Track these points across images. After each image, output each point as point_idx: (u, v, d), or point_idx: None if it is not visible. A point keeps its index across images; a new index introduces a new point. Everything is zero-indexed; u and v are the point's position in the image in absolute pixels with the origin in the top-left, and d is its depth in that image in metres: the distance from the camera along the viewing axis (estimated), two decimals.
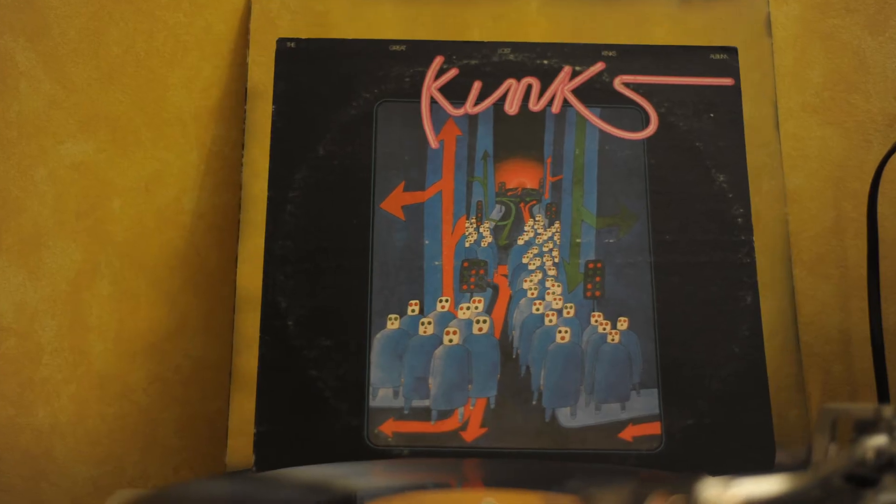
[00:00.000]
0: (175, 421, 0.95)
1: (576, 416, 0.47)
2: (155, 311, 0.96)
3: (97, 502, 0.92)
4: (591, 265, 0.49)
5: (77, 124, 0.98)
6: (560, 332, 0.48)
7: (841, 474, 0.51)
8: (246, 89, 0.94)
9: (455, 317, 0.49)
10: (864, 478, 0.50)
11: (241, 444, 0.86)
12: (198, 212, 0.97)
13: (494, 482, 0.61)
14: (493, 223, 0.49)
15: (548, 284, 0.49)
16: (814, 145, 1.00)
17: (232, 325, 0.88)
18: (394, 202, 0.50)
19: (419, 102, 0.50)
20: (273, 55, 0.93)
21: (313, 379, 0.48)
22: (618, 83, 0.50)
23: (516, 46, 0.52)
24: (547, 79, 0.49)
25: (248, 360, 0.87)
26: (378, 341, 0.48)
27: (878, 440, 0.50)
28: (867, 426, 0.54)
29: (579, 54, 0.51)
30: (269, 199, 0.50)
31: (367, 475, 0.73)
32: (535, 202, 0.50)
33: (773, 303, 0.90)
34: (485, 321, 0.48)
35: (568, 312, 0.49)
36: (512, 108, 0.50)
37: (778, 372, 0.89)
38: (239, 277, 0.89)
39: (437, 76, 0.50)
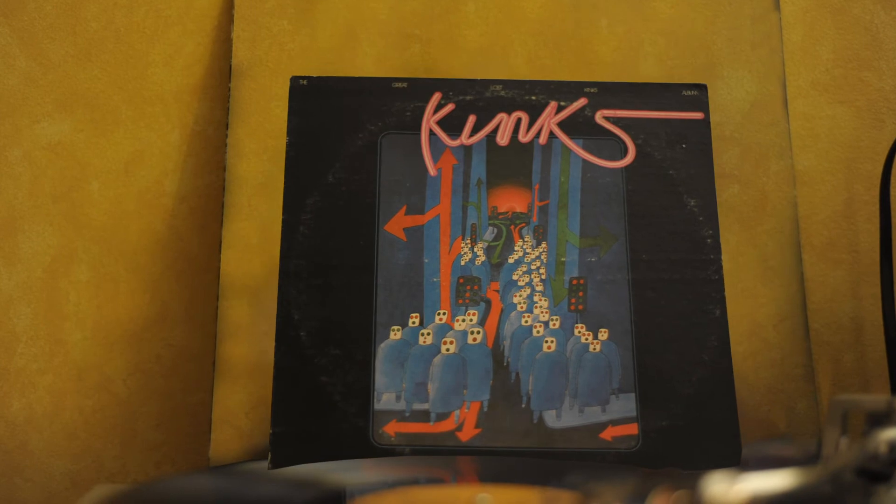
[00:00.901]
0: (156, 413, 0.94)
1: (561, 417, 0.54)
2: (135, 299, 0.95)
3: (74, 498, 0.90)
4: (574, 281, 0.56)
5: (53, 103, 0.97)
6: (547, 341, 0.55)
7: (852, 469, 0.51)
8: (230, 66, 0.93)
9: (452, 328, 0.56)
10: (877, 472, 0.50)
11: (224, 437, 0.86)
12: (180, 194, 0.96)
13: (489, 478, 0.64)
14: (486, 243, 0.57)
15: (535, 299, 0.57)
16: (824, 125, 0.99)
17: (215, 313, 0.88)
18: (396, 224, 0.57)
19: (419, 134, 0.57)
20: (257, 30, 0.93)
21: (323, 384, 0.55)
22: (599, 117, 0.57)
23: (507, 84, 0.60)
24: (535, 113, 0.57)
25: (231, 349, 0.87)
26: (382, 350, 0.55)
27: (892, 433, 0.50)
28: (880, 418, 0.54)
29: (564, 91, 0.60)
30: (284, 221, 0.59)
31: (357, 470, 0.72)
32: (524, 224, 0.57)
33: (782, 289, 0.90)
34: (479, 332, 0.55)
35: (554, 324, 0.56)
36: (503, 139, 0.57)
37: (786, 361, 0.89)
38: (223, 263, 0.88)
39: (436, 111, 0.58)
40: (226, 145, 0.91)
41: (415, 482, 0.69)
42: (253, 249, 0.89)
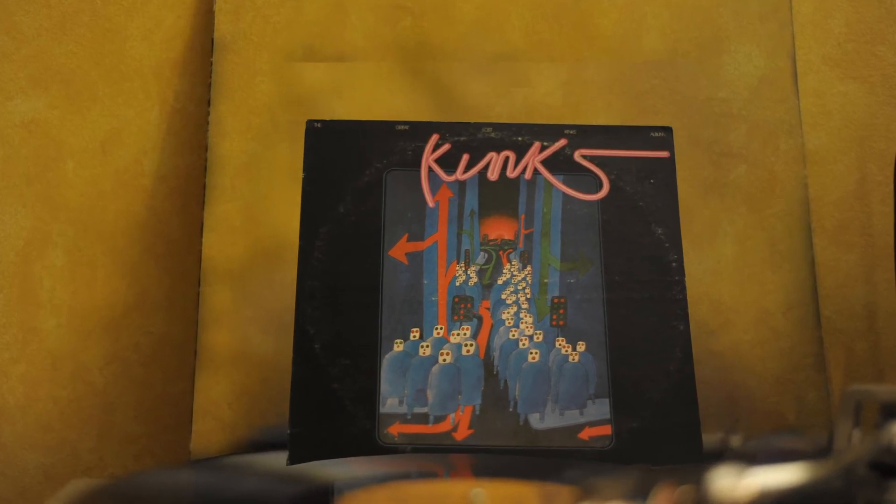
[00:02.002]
0: (134, 404, 0.93)
1: (544, 420, 0.63)
2: (112, 284, 0.94)
3: (48, 493, 0.90)
4: (556, 300, 0.65)
5: (27, 79, 0.97)
6: (531, 353, 0.64)
7: (865, 463, 0.51)
8: (213, 41, 0.93)
9: (448, 341, 0.64)
10: (891, 466, 0.49)
11: (207, 429, 0.85)
12: (159, 174, 0.96)
13: (484, 473, 0.69)
14: (478, 267, 0.66)
15: (521, 315, 0.65)
16: (835, 101, 0.99)
17: (197, 298, 0.88)
18: (399, 250, 0.65)
19: (419, 171, 0.66)
20: (240, 2, 0.92)
21: (335, 390, 0.63)
22: (577, 155, 0.67)
23: (496, 126, 0.69)
24: (521, 152, 0.67)
25: (214, 336, 0.87)
26: (386, 361, 0.64)
27: None
28: (894, 410, 0.54)
29: (546, 132, 0.68)
30: (300, 248, 0.68)
31: (346, 465, 0.73)
32: (511, 250, 0.66)
33: (791, 275, 0.90)
34: (471, 345, 0.64)
35: (537, 338, 0.65)
36: (493, 175, 0.66)
37: (796, 350, 0.89)
38: (204, 246, 0.88)
39: (434, 150, 0.66)
40: (207, 123, 0.91)
41: (406, 477, 0.71)
42: (236, 232, 0.89)
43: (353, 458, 0.68)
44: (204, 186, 0.89)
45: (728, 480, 0.47)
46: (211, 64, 0.92)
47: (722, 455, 0.77)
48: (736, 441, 0.77)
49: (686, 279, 0.74)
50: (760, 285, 0.90)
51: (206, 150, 0.90)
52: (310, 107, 0.93)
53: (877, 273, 0.95)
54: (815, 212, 0.95)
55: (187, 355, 0.90)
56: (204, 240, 0.88)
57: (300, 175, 0.80)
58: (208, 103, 0.91)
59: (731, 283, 0.90)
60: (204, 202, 0.88)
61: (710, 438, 0.83)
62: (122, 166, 0.95)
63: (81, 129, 0.96)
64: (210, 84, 0.92)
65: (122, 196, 0.95)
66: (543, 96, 0.94)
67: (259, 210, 0.89)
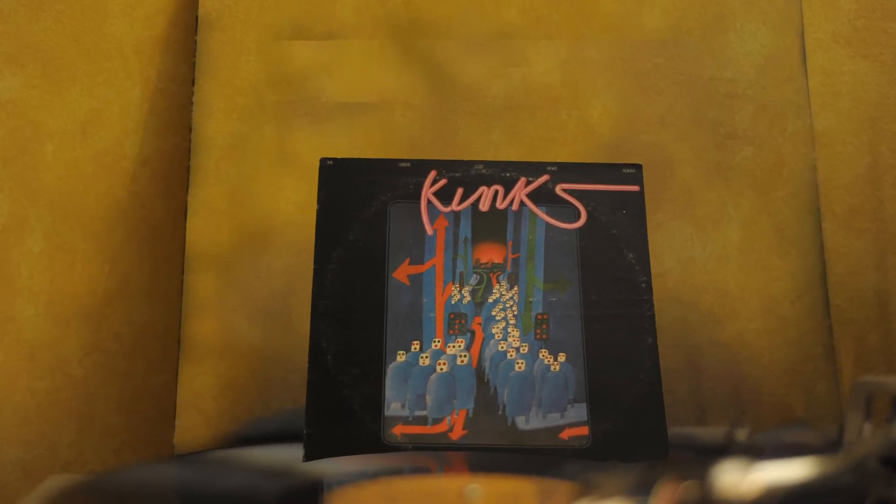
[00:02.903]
0: (115, 396, 0.92)
1: (529, 422, 0.71)
2: (92, 271, 0.94)
3: (26, 489, 0.89)
4: (539, 316, 0.74)
5: (2, 57, 0.96)
6: (518, 363, 0.72)
7: (877, 457, 0.50)
8: (197, 17, 0.93)
9: (444, 353, 0.72)
10: None
11: (190, 423, 0.85)
12: (141, 157, 0.95)
13: (477, 469, 0.73)
14: (471, 287, 0.74)
15: (509, 330, 0.73)
16: (846, 81, 0.98)
17: (180, 286, 0.87)
18: (401, 272, 0.74)
19: (419, 203, 0.75)
20: None
21: (345, 396, 0.70)
22: (558, 189, 0.76)
23: (487, 163, 0.76)
24: (508, 186, 0.75)
25: (198, 326, 0.86)
26: (391, 370, 0.71)
27: None
28: None
29: (531, 169, 0.76)
30: (315, 271, 0.74)
31: (336, 460, 0.73)
32: (500, 272, 0.75)
33: (799, 261, 0.90)
34: (465, 356, 0.72)
35: (523, 350, 0.73)
36: (484, 206, 0.75)
37: (804, 340, 0.89)
38: (188, 232, 0.88)
39: (432, 184, 0.75)
40: (192, 103, 0.91)
41: (399, 473, 0.73)
42: (221, 216, 0.88)
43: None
44: (188, 169, 0.89)
45: (734, 476, 0.47)
46: (195, 42, 0.92)
47: (727, 449, 0.77)
48: (742, 435, 0.77)
49: (691, 266, 0.85)
50: (767, 272, 0.90)
51: (190, 131, 0.90)
52: (298, 87, 0.93)
53: (889, 259, 0.95)
54: (824, 196, 0.94)
55: (170, 345, 0.90)
56: (188, 224, 0.88)
57: (288, 157, 0.86)
58: (192, 83, 0.91)
59: (736, 270, 0.90)
60: (188, 185, 0.88)
61: (714, 432, 0.83)
62: (103, 148, 0.95)
63: (60, 109, 0.95)
64: (194, 63, 0.91)
65: (102, 179, 0.94)
66: (541, 76, 0.94)
67: (245, 193, 0.89)
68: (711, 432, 0.83)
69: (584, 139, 0.93)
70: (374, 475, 0.72)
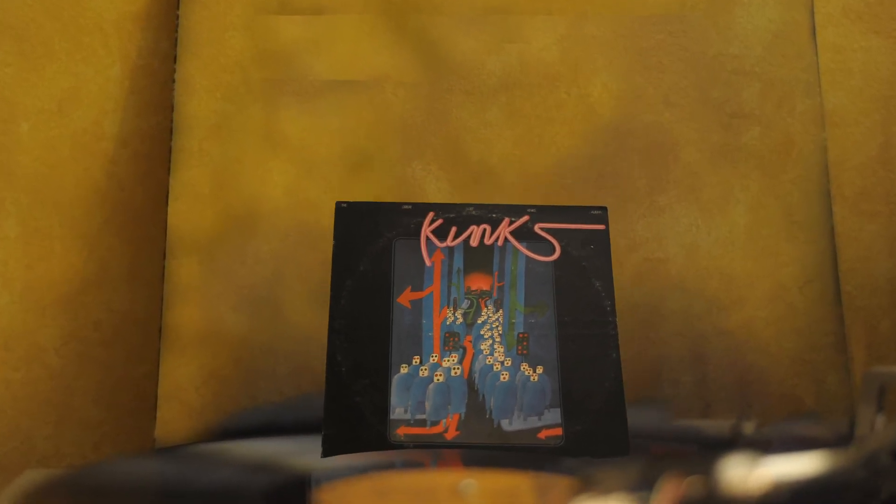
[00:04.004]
0: (94, 387, 0.92)
1: (512, 424, 0.80)
2: (70, 257, 0.93)
3: (1, 485, 0.89)
4: (521, 335, 0.83)
5: None
6: (502, 374, 0.81)
7: (889, 451, 0.50)
8: None
9: (440, 366, 0.81)
10: None
11: (172, 415, 0.85)
12: (121, 137, 0.95)
13: (470, 463, 0.78)
14: (463, 310, 0.83)
15: (495, 347, 0.83)
16: (857, 58, 0.98)
17: (162, 273, 0.87)
18: (404, 298, 0.83)
19: (419, 239, 0.84)
20: None
21: (357, 403, 0.79)
22: (536, 228, 0.85)
23: (476, 206, 0.86)
24: (494, 225, 0.85)
25: (180, 314, 0.86)
26: (395, 380, 0.80)
27: None
28: None
29: (514, 211, 0.86)
30: (332, 296, 0.82)
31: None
32: (488, 298, 0.84)
33: (809, 246, 0.90)
34: (458, 368, 0.82)
35: (507, 363, 0.82)
36: (474, 242, 0.84)
37: (814, 328, 0.89)
38: (170, 216, 0.87)
39: (430, 224, 0.84)
40: (174, 81, 0.90)
41: (390, 467, 0.75)
42: (205, 200, 0.88)
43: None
44: (170, 150, 0.88)
45: (740, 470, 0.47)
46: (177, 17, 0.91)
47: (733, 443, 0.77)
48: (748, 428, 0.77)
49: (696, 251, 0.90)
50: (775, 258, 0.90)
51: (172, 110, 0.89)
52: (286, 64, 0.92)
53: None
54: (834, 178, 0.94)
55: (151, 334, 0.90)
56: (170, 208, 0.87)
57: (275, 137, 0.89)
58: (174, 60, 0.91)
59: (743, 256, 0.90)
60: (170, 167, 0.88)
61: (720, 425, 0.83)
62: (81, 128, 0.94)
63: (36, 87, 0.95)
64: (176, 38, 0.91)
65: (80, 161, 0.94)
66: (539, 52, 0.94)
67: (230, 175, 0.89)
68: (717, 425, 0.83)
69: (583, 119, 0.93)
70: (364, 470, 0.74)
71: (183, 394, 0.85)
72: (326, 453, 0.79)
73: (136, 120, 0.94)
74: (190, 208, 0.87)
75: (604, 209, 0.88)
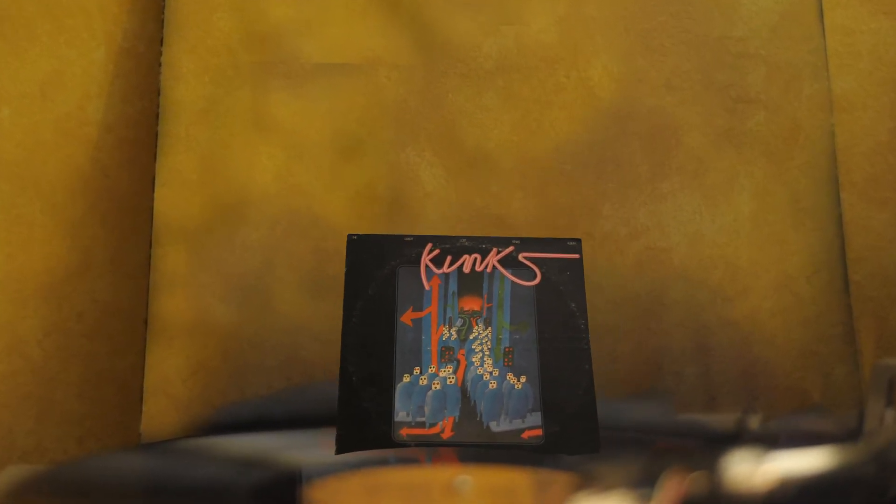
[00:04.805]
0: (78, 380, 0.92)
1: (499, 425, 0.86)
2: (52, 246, 0.93)
3: None
4: (507, 349, 0.90)
5: None
6: (491, 383, 0.87)
7: None
8: None
9: (438, 376, 0.87)
10: None
11: (158, 409, 0.85)
12: (106, 123, 0.94)
13: (464, 459, 0.83)
14: (457, 328, 0.89)
15: (485, 359, 0.89)
16: (866, 40, 0.98)
17: (148, 262, 0.87)
18: (407, 317, 0.88)
19: (419, 267, 0.89)
20: None
21: (366, 407, 0.85)
22: (520, 257, 0.91)
23: (469, 238, 0.92)
24: (484, 254, 0.91)
25: (167, 304, 0.86)
26: (399, 388, 0.86)
27: None
28: None
29: (501, 242, 0.92)
30: (343, 317, 0.87)
31: (314, 447, 0.73)
32: (478, 317, 0.90)
33: (816, 234, 0.89)
34: (453, 378, 0.88)
35: (495, 373, 0.88)
36: (467, 269, 0.91)
37: (821, 319, 0.88)
38: (157, 203, 0.87)
39: (429, 253, 0.90)
40: (160, 64, 0.90)
41: (383, 463, 0.78)
42: (191, 186, 0.88)
43: (325, 439, 0.84)
44: (156, 136, 0.88)
45: (745, 466, 0.46)
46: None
47: (738, 438, 0.77)
48: (754, 422, 0.77)
49: (699, 240, 0.92)
50: (781, 246, 0.89)
51: (159, 94, 0.89)
52: (275, 46, 0.92)
53: None
54: (842, 164, 0.94)
55: (137, 325, 0.90)
56: (156, 195, 0.87)
57: (264, 122, 0.90)
58: (161, 42, 0.90)
59: (748, 244, 0.89)
60: (156, 153, 0.88)
61: (725, 419, 0.83)
62: (64, 113, 0.94)
63: (18, 71, 0.94)
64: (163, 21, 0.91)
65: (63, 147, 0.93)
66: (537, 34, 0.93)
67: (218, 161, 0.89)
68: (721, 419, 0.83)
69: (583, 103, 0.92)
70: (356, 466, 0.76)
71: (169, 387, 0.85)
72: (340, 451, 0.84)
73: (121, 104, 0.94)
74: (177, 195, 0.87)
75: (578, 241, 0.96)
